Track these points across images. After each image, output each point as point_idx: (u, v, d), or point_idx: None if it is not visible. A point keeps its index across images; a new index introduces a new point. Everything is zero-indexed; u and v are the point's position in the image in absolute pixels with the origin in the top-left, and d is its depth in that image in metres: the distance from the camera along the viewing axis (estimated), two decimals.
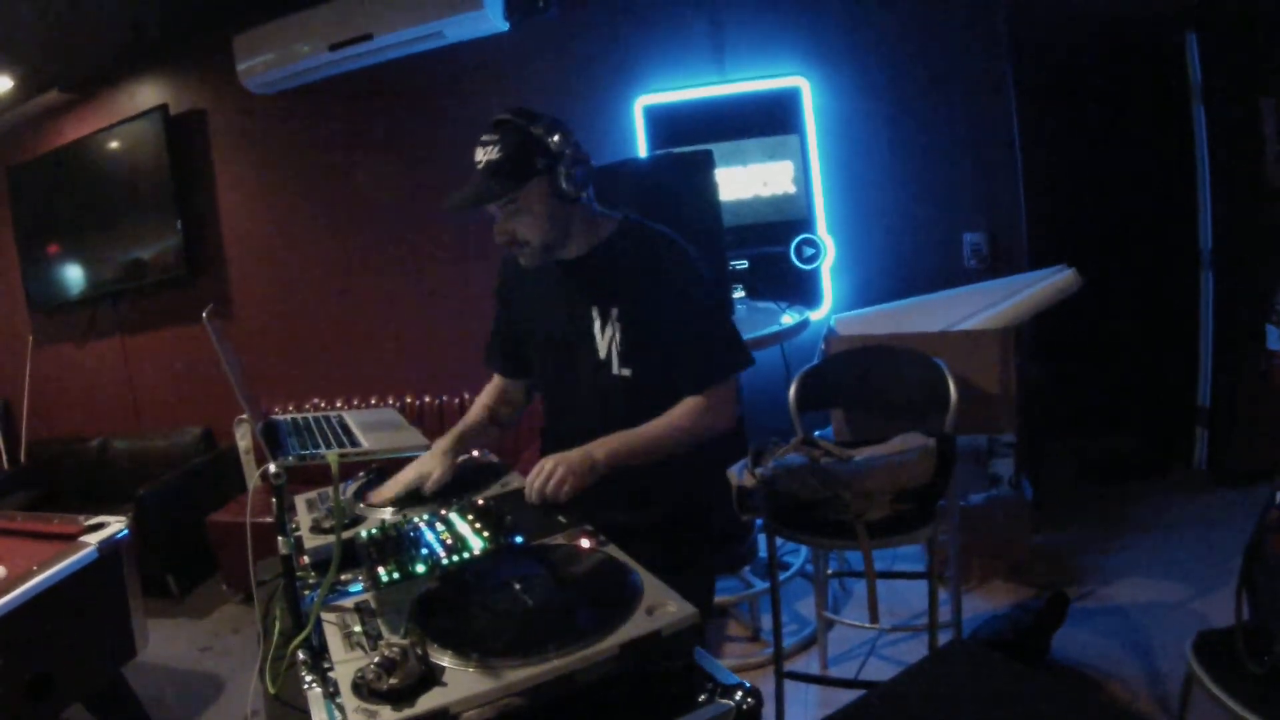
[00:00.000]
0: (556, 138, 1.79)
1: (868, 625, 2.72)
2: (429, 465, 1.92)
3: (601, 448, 1.79)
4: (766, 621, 3.52)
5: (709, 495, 2.15)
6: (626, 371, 1.90)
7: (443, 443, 2.01)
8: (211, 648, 4.10)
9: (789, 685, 2.80)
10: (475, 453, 2.15)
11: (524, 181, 1.79)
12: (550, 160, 1.80)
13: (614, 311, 1.89)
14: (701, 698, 1.19)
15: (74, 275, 5.68)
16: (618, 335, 1.89)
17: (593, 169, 1.88)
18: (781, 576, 3.36)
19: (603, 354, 1.91)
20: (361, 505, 1.85)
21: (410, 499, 1.88)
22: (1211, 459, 4.31)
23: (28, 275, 5.81)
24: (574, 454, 1.77)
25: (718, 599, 3.54)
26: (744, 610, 3.63)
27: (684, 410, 1.87)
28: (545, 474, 1.72)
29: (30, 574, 2.67)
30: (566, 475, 1.72)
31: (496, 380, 2.25)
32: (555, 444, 1.86)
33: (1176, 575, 3.46)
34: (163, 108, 5.17)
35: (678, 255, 1.91)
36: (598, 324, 1.91)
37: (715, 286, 1.94)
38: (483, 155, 1.79)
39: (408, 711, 1.05)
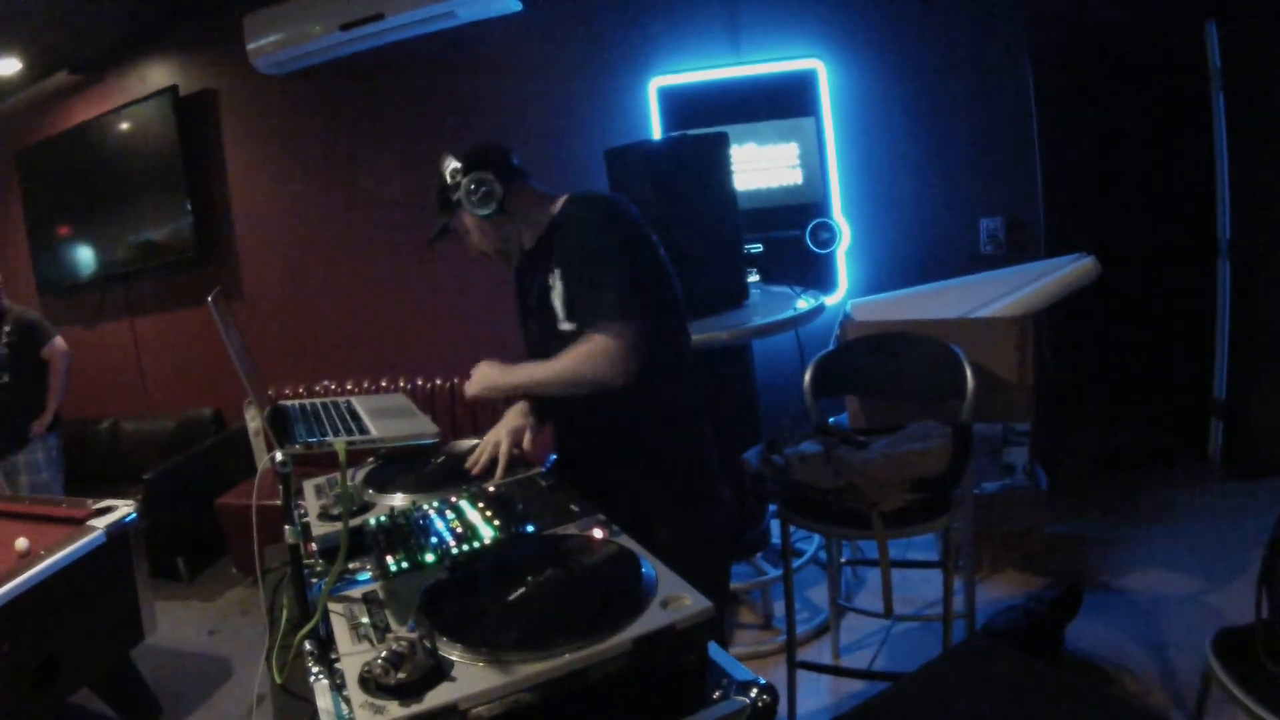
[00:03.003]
0: (452, 169, 2.00)
1: (880, 615, 2.69)
2: (513, 422, 2.03)
3: (506, 372, 2.00)
4: (778, 608, 3.49)
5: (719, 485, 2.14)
6: (570, 325, 1.98)
7: (523, 402, 2.11)
8: (220, 631, 4.10)
9: (801, 674, 2.78)
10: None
11: (451, 213, 2.06)
12: (455, 192, 2.00)
13: (557, 272, 1.99)
14: (716, 694, 1.15)
15: (84, 257, 5.68)
16: (562, 293, 1.98)
17: (511, 170, 2.03)
18: (794, 564, 3.34)
19: (559, 313, 2.00)
20: (370, 492, 1.82)
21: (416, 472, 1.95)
22: (1226, 451, 4.26)
23: (38, 258, 5.81)
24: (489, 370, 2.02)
25: (731, 585, 3.54)
26: (756, 597, 3.61)
27: (570, 352, 1.90)
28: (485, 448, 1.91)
29: (38, 558, 2.67)
30: (475, 379, 1.99)
31: None
32: (560, 422, 2.03)
33: (1190, 568, 3.43)
34: (173, 89, 5.14)
35: (589, 208, 2.02)
36: (554, 290, 2.01)
37: (622, 241, 1.94)
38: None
39: (415, 707, 1.03)
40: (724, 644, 2.29)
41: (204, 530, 4.55)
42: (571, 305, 1.96)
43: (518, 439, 1.97)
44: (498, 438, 1.95)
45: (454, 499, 1.66)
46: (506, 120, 4.65)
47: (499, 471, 1.88)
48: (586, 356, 1.87)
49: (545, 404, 2.06)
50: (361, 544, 1.50)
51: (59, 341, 4.46)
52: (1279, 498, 3.79)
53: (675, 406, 2.09)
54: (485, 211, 1.98)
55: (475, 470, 1.88)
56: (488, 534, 1.48)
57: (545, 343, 2.04)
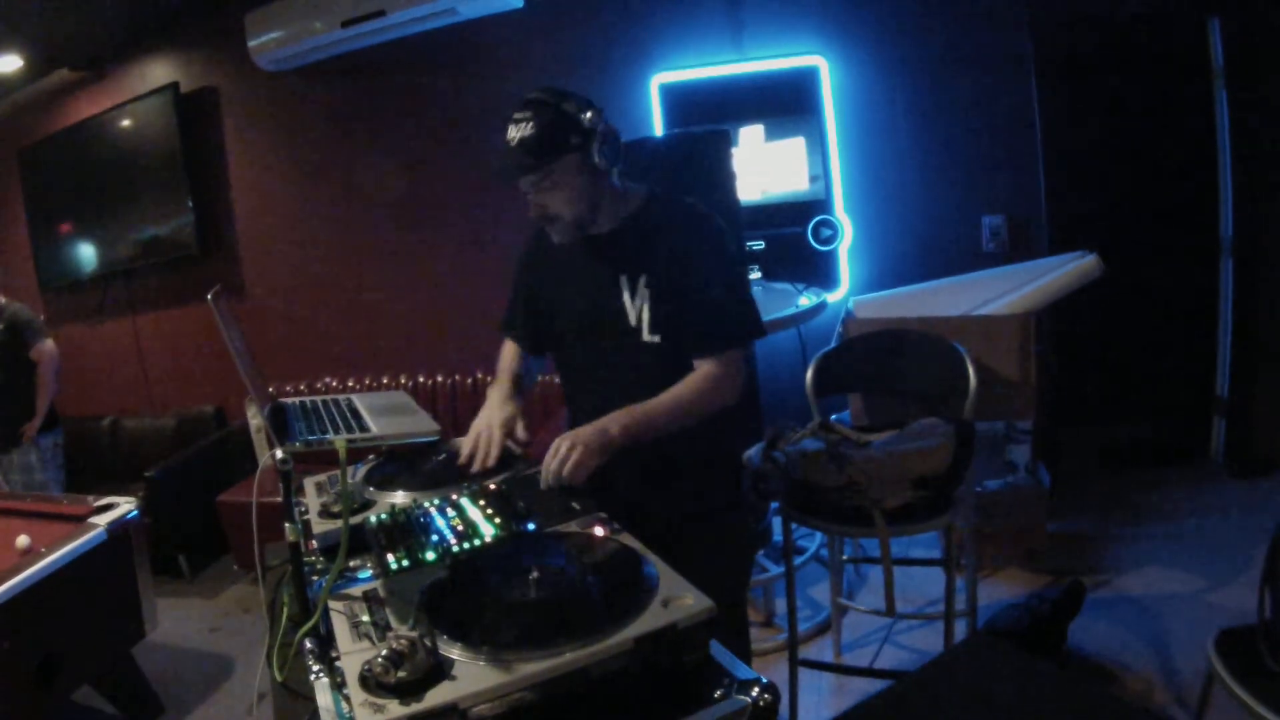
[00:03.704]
0: (589, 114, 1.82)
1: (882, 613, 2.69)
2: (504, 412, 1.94)
3: (615, 422, 1.76)
4: (780, 606, 3.49)
5: (724, 482, 2.12)
6: (656, 338, 1.90)
7: (504, 387, 2.04)
8: (221, 628, 4.10)
9: (802, 671, 2.78)
10: None
11: (558, 157, 1.81)
12: (583, 136, 1.81)
13: (642, 279, 1.89)
14: (718, 693, 1.15)
15: (85, 254, 5.68)
16: (647, 302, 1.89)
17: (622, 145, 1.89)
18: (796, 561, 3.33)
19: (633, 321, 1.91)
20: (371, 489, 1.82)
21: (416, 469, 1.88)
22: (1228, 450, 4.26)
23: (39, 254, 5.82)
24: (587, 430, 1.74)
25: None
26: (757, 595, 3.60)
27: (694, 380, 1.87)
28: (560, 456, 1.69)
29: (39, 555, 2.66)
30: (584, 455, 1.68)
31: (512, 347, 2.22)
32: (586, 417, 1.83)
33: (1192, 566, 3.43)
34: (174, 85, 5.14)
35: (703, 222, 1.93)
36: (626, 294, 1.91)
37: (739, 257, 1.96)
38: (515, 132, 1.80)
39: (416, 706, 1.02)
40: (747, 641, 2.30)
41: (205, 528, 4.54)
42: (663, 319, 1.89)
43: (509, 429, 1.91)
44: (488, 425, 1.90)
45: (455, 497, 1.65)
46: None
47: (491, 458, 1.83)
48: (715, 389, 1.86)
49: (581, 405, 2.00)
50: (362, 542, 1.49)
51: (49, 344, 4.45)
52: None
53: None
54: (607, 165, 1.86)
55: (467, 461, 1.84)
56: (488, 532, 1.47)
57: (620, 349, 1.95)
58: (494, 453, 1.84)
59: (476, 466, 1.83)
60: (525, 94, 1.85)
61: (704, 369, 1.87)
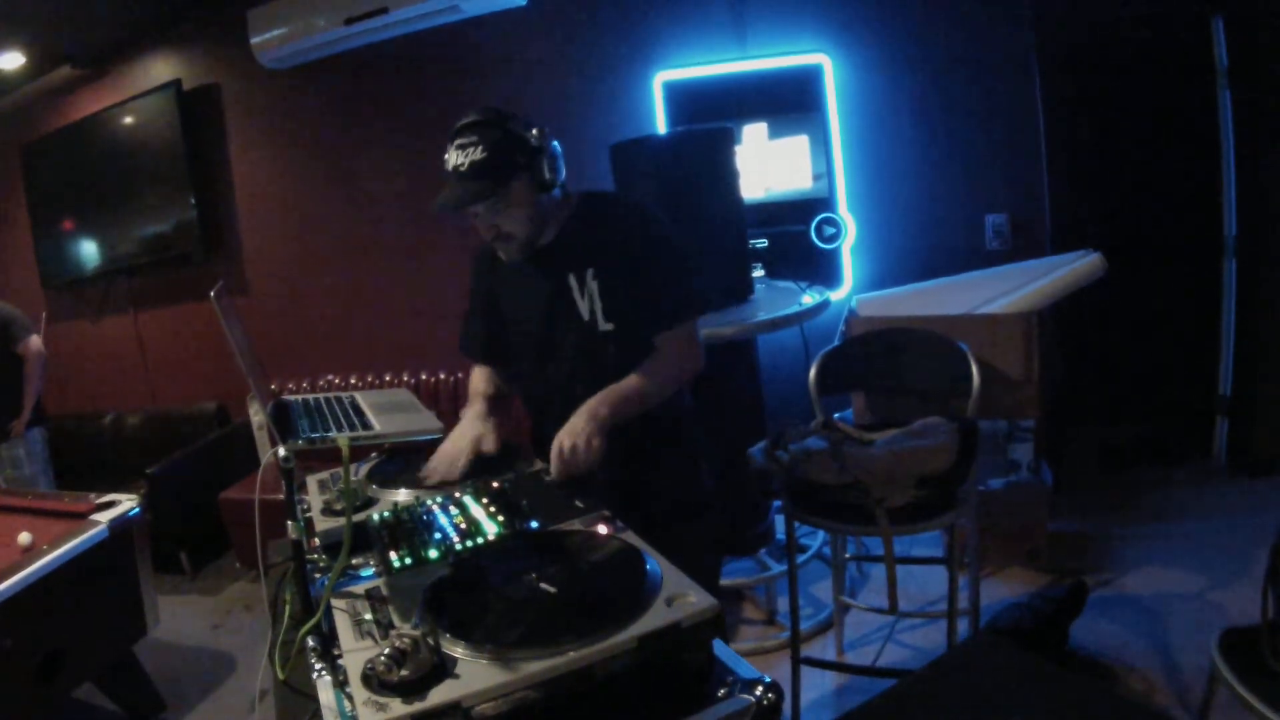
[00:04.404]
0: (534, 131, 1.86)
1: (885, 611, 2.69)
2: (474, 430, 1.97)
3: (601, 403, 1.84)
4: (782, 604, 3.49)
5: (700, 474, 2.16)
6: (610, 326, 1.96)
7: (477, 407, 2.06)
8: (223, 625, 4.10)
9: (804, 670, 2.78)
10: None
11: (509, 180, 1.84)
12: (530, 155, 1.86)
13: (589, 272, 1.95)
14: (721, 692, 1.14)
15: (88, 251, 5.67)
16: (596, 294, 1.95)
17: (560, 159, 1.94)
18: (798, 559, 3.33)
19: (586, 315, 1.97)
20: (373, 487, 1.82)
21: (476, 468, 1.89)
22: (1231, 449, 4.25)
23: (41, 251, 5.81)
24: (579, 419, 1.80)
25: (735, 581, 3.54)
26: (760, 593, 3.60)
27: (660, 356, 1.95)
28: (564, 453, 1.73)
29: (41, 552, 2.66)
30: (582, 441, 1.74)
31: (482, 368, 2.25)
32: (554, 420, 1.86)
33: (1194, 565, 3.42)
34: (176, 83, 5.13)
35: (637, 210, 2.02)
36: (576, 290, 1.97)
37: (673, 237, 2.01)
38: (464, 157, 1.83)
39: (419, 705, 1.02)
40: (726, 639, 2.30)
41: (207, 525, 4.54)
42: (614, 306, 1.95)
43: (477, 446, 1.94)
44: (454, 445, 1.93)
45: (458, 494, 1.65)
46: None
47: (454, 474, 1.85)
48: (681, 356, 1.95)
49: (548, 406, 2.02)
50: (365, 540, 1.49)
51: (34, 340, 4.45)
52: None
53: (688, 402, 2.16)
54: (555, 185, 1.91)
55: (429, 482, 1.84)
56: (491, 530, 1.47)
57: (576, 342, 1.99)
58: (458, 467, 1.86)
59: (433, 480, 1.85)
60: (460, 119, 1.86)
61: (666, 345, 1.96)
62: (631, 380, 1.89)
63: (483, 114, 1.85)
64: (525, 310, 2.06)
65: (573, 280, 1.96)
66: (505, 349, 2.16)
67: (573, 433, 1.76)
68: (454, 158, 1.84)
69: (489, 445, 1.94)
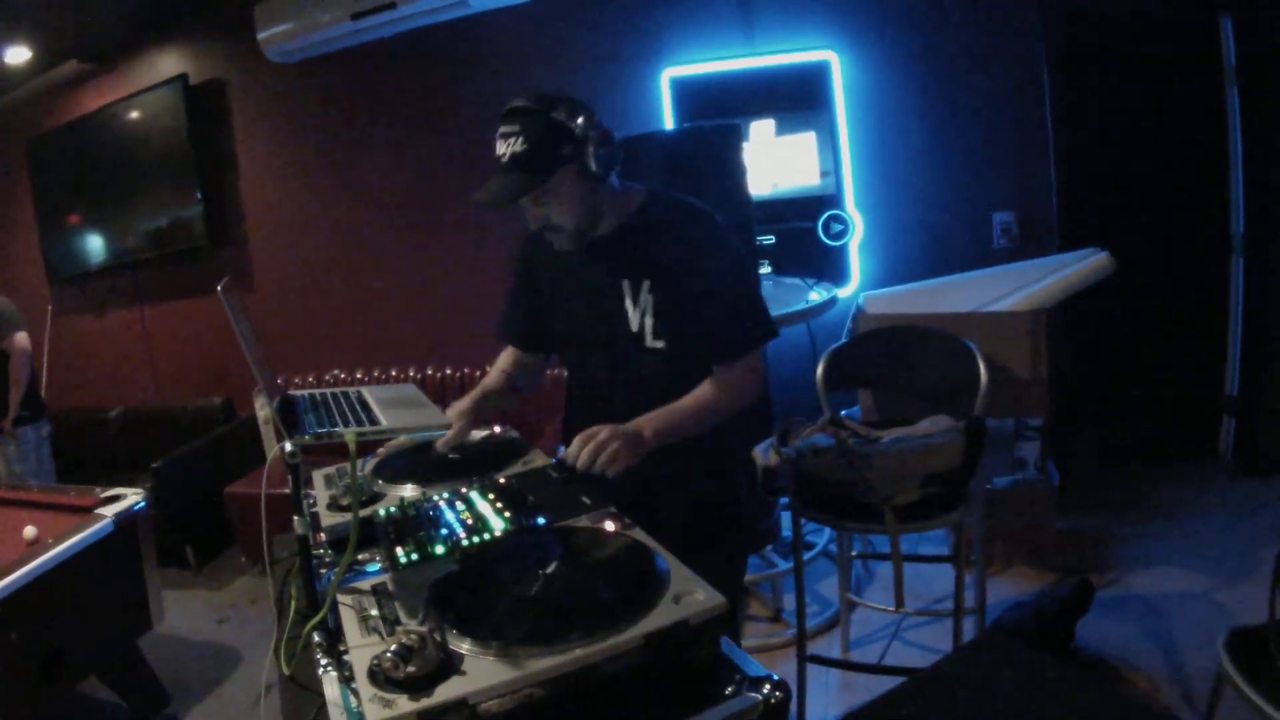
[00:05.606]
0: (580, 120, 1.74)
1: (891, 609, 2.68)
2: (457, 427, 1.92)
3: (648, 424, 1.73)
4: (788, 601, 3.49)
5: (737, 476, 2.11)
6: (660, 344, 1.86)
7: (462, 404, 1.97)
8: (229, 619, 4.10)
9: (810, 667, 2.77)
10: (497, 429, 2.11)
11: (553, 171, 1.73)
12: (576, 145, 1.74)
13: (645, 284, 1.84)
14: (728, 690, 1.14)
15: (94, 245, 5.68)
16: (650, 308, 1.85)
17: (618, 145, 1.82)
18: (805, 556, 3.32)
19: (635, 327, 1.87)
20: (380, 482, 1.81)
21: (426, 462, 1.89)
22: (1238, 448, 4.24)
23: (48, 246, 5.83)
24: (627, 427, 1.70)
25: None
26: (766, 590, 3.59)
27: (716, 383, 1.83)
28: (599, 443, 1.64)
29: (46, 546, 2.66)
30: (621, 449, 1.64)
31: (505, 358, 2.19)
32: (585, 421, 1.74)
33: (1200, 565, 3.41)
34: (182, 77, 5.14)
35: (707, 225, 1.87)
36: (629, 298, 1.86)
37: (744, 257, 1.89)
38: (506, 148, 1.72)
39: (425, 701, 1.01)
40: (738, 638, 2.29)
41: (213, 519, 4.55)
42: (667, 327, 1.85)
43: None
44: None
45: (464, 490, 1.65)
46: None
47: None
48: (738, 393, 1.84)
49: (585, 407, 1.98)
50: (371, 535, 1.49)
51: (21, 337, 4.38)
52: None
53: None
54: (604, 170, 1.77)
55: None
56: (498, 526, 1.46)
57: (622, 354, 1.90)
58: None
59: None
60: (508, 102, 1.76)
61: (724, 375, 1.84)
62: (683, 409, 1.80)
63: (527, 99, 1.74)
64: (571, 301, 1.98)
65: (626, 286, 1.87)
66: (543, 336, 2.10)
67: (615, 434, 1.66)
68: (498, 147, 1.74)
69: (443, 443, 1.90)
